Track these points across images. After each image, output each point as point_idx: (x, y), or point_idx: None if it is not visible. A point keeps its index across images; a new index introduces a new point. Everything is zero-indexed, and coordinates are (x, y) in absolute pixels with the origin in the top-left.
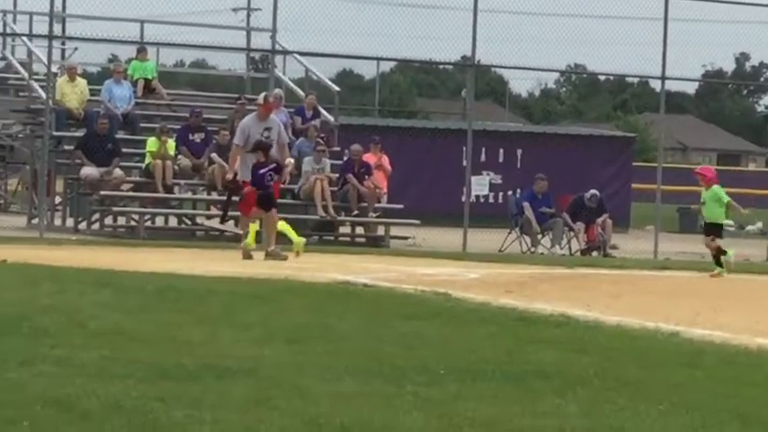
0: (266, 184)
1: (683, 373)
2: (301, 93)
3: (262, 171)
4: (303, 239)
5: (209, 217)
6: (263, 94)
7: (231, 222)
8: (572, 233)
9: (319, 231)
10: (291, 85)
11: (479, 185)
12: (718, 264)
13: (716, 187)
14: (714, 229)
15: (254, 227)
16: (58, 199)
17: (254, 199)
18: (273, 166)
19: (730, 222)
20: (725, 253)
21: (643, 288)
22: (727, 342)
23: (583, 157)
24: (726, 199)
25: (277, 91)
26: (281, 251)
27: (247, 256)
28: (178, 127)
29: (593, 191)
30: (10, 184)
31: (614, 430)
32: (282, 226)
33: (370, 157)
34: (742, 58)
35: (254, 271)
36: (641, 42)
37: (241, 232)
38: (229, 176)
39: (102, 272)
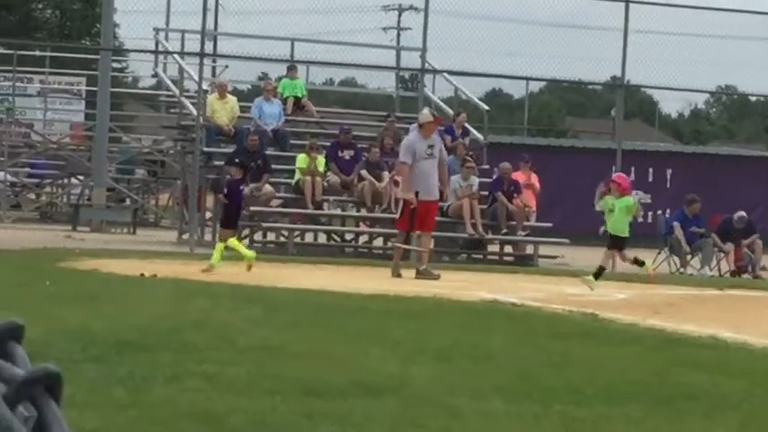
0: (241, 200)
1: None
2: (450, 111)
3: (242, 188)
4: (253, 253)
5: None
6: (427, 110)
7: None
8: (722, 254)
9: (468, 250)
10: (440, 103)
11: None
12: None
13: (629, 197)
14: (620, 242)
15: (220, 248)
16: (208, 214)
17: (410, 215)
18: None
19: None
20: (642, 264)
21: None
22: None
23: (733, 178)
24: (634, 212)
25: (426, 111)
26: (433, 270)
27: None
28: (327, 144)
29: (741, 212)
30: (161, 199)
31: None
32: (233, 242)
33: (519, 176)
34: None
35: (402, 288)
36: None
37: (425, 251)
38: (410, 196)
39: (251, 288)
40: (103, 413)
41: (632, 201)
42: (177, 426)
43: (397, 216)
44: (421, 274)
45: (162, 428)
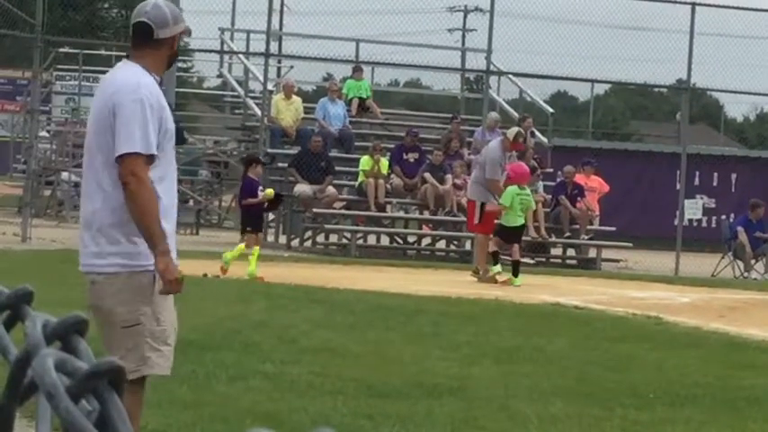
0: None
1: None
2: (515, 114)
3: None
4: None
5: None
6: (516, 130)
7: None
8: None
9: (531, 253)
10: (506, 105)
11: (693, 209)
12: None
13: (514, 187)
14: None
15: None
16: (271, 216)
17: (493, 219)
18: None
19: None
20: (496, 263)
21: None
22: None
23: None
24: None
25: (494, 114)
26: (492, 274)
27: None
28: (392, 146)
29: None
30: (224, 200)
31: None
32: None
33: (582, 179)
34: None
35: (464, 291)
36: None
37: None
38: (497, 207)
39: (314, 289)
40: (166, 411)
41: (517, 191)
42: (240, 424)
43: (474, 221)
44: (482, 279)
45: (224, 427)
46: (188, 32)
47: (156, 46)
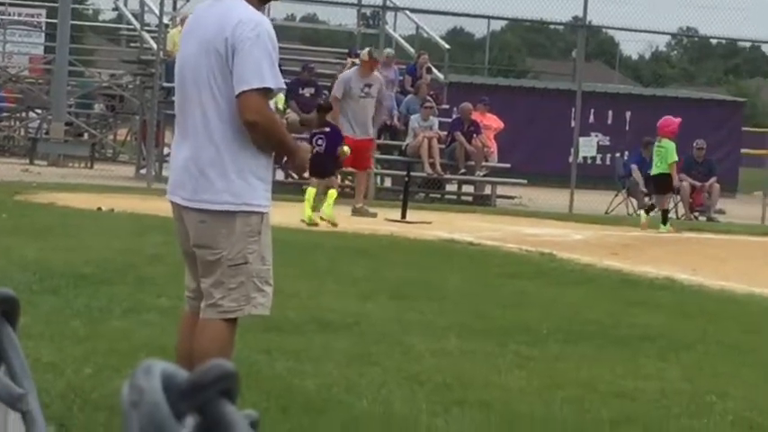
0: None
1: None
2: (411, 50)
3: (314, 132)
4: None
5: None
6: (366, 50)
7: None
8: (678, 197)
9: (426, 189)
10: (402, 41)
11: (587, 147)
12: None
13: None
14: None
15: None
16: (166, 150)
17: (367, 154)
18: (327, 130)
19: None
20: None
21: (749, 253)
22: None
23: (692, 121)
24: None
25: (388, 50)
26: (370, 208)
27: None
28: (288, 81)
29: (700, 141)
30: (119, 134)
31: (717, 395)
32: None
33: (478, 116)
34: None
35: (358, 226)
36: (754, 6)
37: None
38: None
39: None
40: (60, 345)
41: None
42: (134, 358)
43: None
44: (357, 212)
45: (118, 360)
46: None
47: None
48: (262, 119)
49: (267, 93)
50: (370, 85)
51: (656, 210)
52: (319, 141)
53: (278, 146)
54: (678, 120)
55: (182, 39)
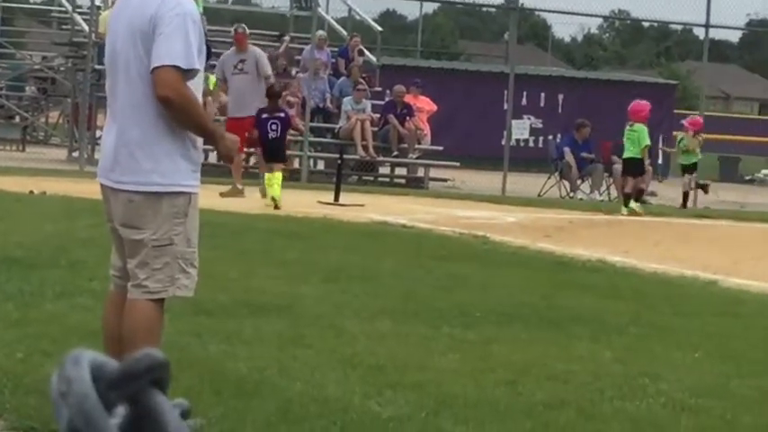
0: (267, 133)
1: (719, 321)
2: (344, 32)
3: (264, 116)
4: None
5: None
6: (234, 26)
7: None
8: (611, 179)
9: (359, 171)
10: (334, 23)
11: (520, 129)
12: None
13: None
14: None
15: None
16: (98, 133)
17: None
18: (281, 115)
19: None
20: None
21: (682, 236)
22: (765, 291)
23: (624, 104)
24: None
25: (321, 33)
26: (241, 188)
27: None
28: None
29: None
30: (51, 117)
31: (649, 377)
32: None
33: (411, 99)
34: None
35: (291, 209)
36: None
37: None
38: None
39: None
40: None
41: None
42: (66, 342)
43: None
44: (225, 193)
45: (50, 345)
46: None
47: None
48: (175, 95)
49: (183, 72)
50: (243, 61)
51: (645, 195)
52: (273, 126)
53: (196, 128)
54: (648, 105)
55: (110, 21)
